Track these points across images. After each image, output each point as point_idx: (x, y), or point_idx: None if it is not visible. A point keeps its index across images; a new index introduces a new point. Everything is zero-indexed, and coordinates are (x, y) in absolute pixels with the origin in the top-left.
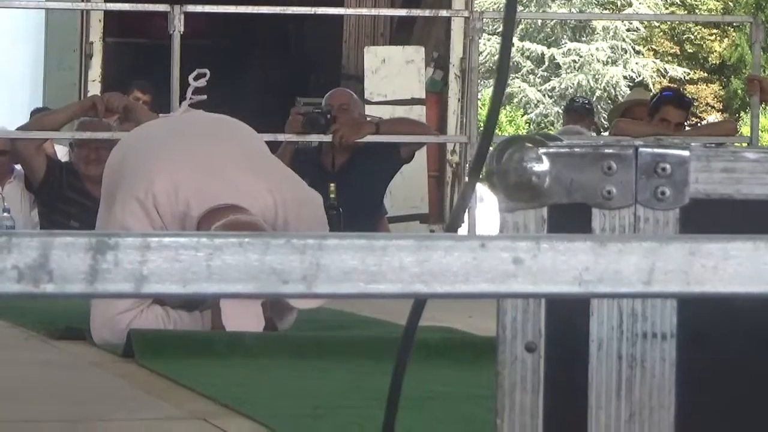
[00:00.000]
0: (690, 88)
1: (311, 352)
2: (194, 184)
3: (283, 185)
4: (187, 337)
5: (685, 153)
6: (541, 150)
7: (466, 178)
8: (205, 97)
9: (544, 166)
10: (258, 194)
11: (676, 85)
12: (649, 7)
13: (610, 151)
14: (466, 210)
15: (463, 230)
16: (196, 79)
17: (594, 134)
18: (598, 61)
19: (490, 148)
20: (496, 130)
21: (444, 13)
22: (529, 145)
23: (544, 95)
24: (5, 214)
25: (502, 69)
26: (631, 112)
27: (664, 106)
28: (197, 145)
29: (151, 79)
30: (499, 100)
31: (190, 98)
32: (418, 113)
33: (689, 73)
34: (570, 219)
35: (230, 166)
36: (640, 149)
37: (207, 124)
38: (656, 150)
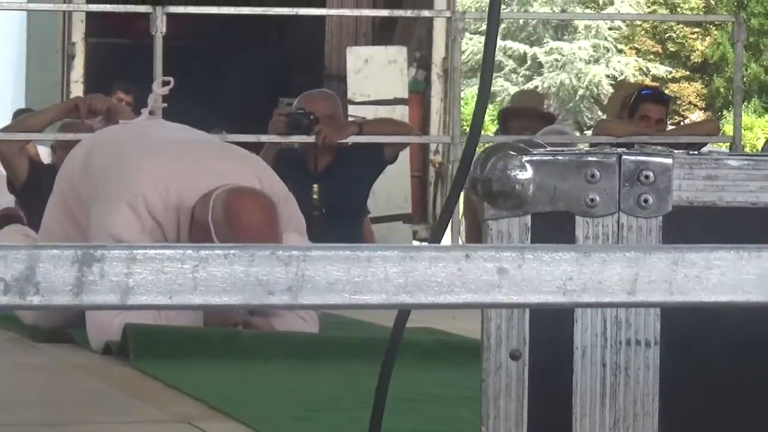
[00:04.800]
0: (672, 87)
1: (305, 353)
2: (182, 175)
3: (270, 174)
4: (182, 335)
5: (668, 160)
6: (525, 158)
7: (450, 183)
8: (165, 105)
9: (527, 173)
10: (247, 178)
11: (656, 84)
12: (631, 5)
13: (594, 158)
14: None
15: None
16: (163, 85)
17: (573, 132)
18: (581, 59)
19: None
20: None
21: (426, 13)
22: (513, 152)
23: None
24: None
25: (486, 79)
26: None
27: (643, 103)
28: (176, 143)
29: (133, 79)
30: (482, 114)
31: (151, 107)
32: (401, 113)
33: (671, 72)
34: (553, 227)
35: (214, 157)
36: (624, 156)
37: (178, 128)
38: (639, 157)
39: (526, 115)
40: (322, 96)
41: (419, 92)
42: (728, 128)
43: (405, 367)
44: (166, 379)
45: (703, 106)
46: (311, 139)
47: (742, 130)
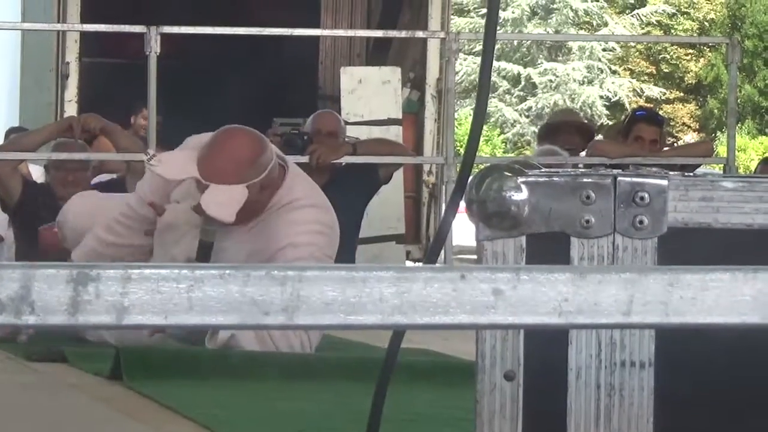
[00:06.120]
0: (666, 108)
1: (297, 373)
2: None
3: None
4: (176, 357)
5: (663, 182)
6: (520, 179)
7: (444, 206)
8: None
9: (523, 195)
10: None
11: (650, 105)
12: (625, 27)
13: (589, 180)
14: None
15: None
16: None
17: (566, 153)
18: (574, 80)
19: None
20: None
21: (420, 34)
22: (508, 174)
23: (520, 115)
24: None
25: (481, 100)
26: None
27: (637, 124)
28: None
29: (128, 99)
30: (476, 139)
31: None
32: (395, 134)
33: (665, 93)
34: (549, 248)
35: None
36: (619, 178)
37: None
38: (635, 179)
39: (568, 130)
40: (333, 116)
41: (413, 113)
42: (722, 150)
43: (398, 387)
44: (159, 399)
45: (697, 127)
46: (305, 159)
47: (736, 152)
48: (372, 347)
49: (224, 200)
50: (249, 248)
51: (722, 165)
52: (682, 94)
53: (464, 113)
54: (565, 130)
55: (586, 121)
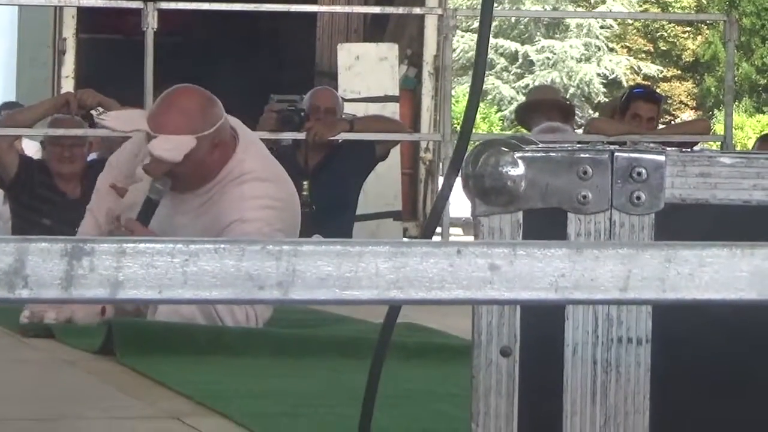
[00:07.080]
0: (664, 86)
1: (291, 350)
2: None
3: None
4: (169, 332)
5: (661, 158)
6: (517, 154)
7: (441, 178)
8: None
9: (519, 170)
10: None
11: (648, 83)
12: (622, 4)
13: (586, 155)
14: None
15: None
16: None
17: (569, 128)
18: (572, 58)
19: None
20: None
21: (417, 10)
22: (505, 149)
23: (518, 92)
24: None
25: (477, 80)
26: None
27: (635, 101)
28: None
29: (125, 75)
30: (473, 112)
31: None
32: (392, 110)
33: (663, 71)
34: (545, 223)
35: None
36: (616, 154)
37: None
38: (632, 155)
39: (546, 108)
40: (330, 92)
41: (410, 89)
42: (719, 127)
43: (392, 364)
44: (153, 375)
45: (694, 105)
46: (302, 135)
47: (733, 130)
48: (365, 323)
49: (172, 146)
50: (202, 222)
51: (719, 143)
52: (679, 71)
53: (461, 90)
54: (544, 107)
55: (566, 98)
